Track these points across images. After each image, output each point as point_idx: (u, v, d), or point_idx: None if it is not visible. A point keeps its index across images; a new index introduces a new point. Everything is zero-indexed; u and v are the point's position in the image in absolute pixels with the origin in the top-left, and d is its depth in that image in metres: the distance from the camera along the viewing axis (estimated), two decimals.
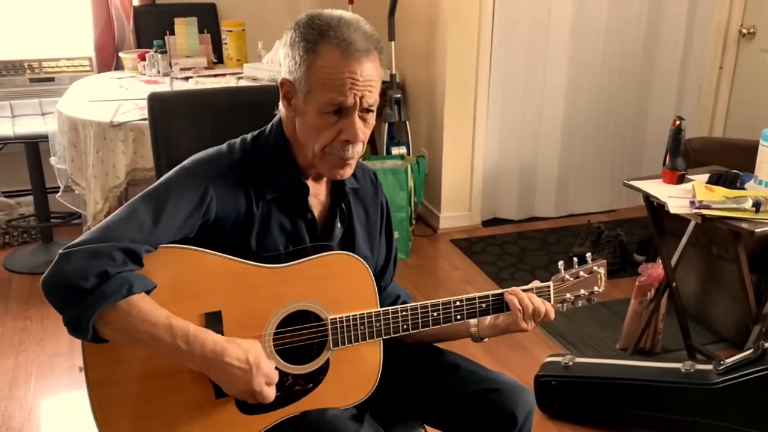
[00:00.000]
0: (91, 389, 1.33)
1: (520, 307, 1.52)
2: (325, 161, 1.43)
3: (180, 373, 1.35)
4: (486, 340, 1.63)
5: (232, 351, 1.29)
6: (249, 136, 1.51)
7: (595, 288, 1.65)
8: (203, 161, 1.44)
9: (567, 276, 1.62)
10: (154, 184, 1.40)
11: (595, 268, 1.65)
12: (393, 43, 4.02)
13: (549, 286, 1.60)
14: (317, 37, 1.35)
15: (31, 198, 3.79)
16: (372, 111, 1.42)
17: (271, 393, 1.34)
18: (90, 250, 1.24)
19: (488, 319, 1.59)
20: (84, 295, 1.21)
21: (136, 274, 1.27)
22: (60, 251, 1.25)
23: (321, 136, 1.40)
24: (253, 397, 1.32)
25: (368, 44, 1.37)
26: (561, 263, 1.63)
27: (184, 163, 1.44)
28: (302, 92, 1.38)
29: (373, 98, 1.39)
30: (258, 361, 1.31)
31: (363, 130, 1.40)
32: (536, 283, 1.60)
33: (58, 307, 1.25)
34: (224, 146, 1.48)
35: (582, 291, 1.63)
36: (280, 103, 1.48)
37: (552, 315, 1.55)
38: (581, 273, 1.63)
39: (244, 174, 1.44)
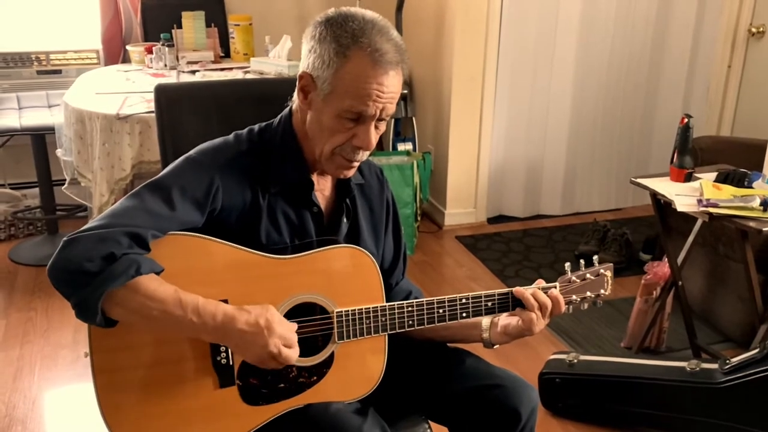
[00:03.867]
0: (96, 374, 1.33)
1: (537, 303, 1.50)
2: (333, 162, 1.43)
3: (185, 362, 1.35)
4: (497, 347, 1.61)
5: (242, 317, 1.29)
6: (256, 127, 1.50)
7: (601, 291, 1.64)
8: (210, 151, 1.44)
9: (574, 278, 1.60)
10: (161, 173, 1.40)
11: (602, 270, 1.63)
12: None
13: (555, 287, 1.58)
14: (350, 41, 1.33)
15: (37, 190, 3.80)
16: (385, 119, 1.41)
17: (291, 354, 1.32)
18: (95, 235, 1.24)
19: (500, 326, 1.58)
20: (91, 278, 1.21)
21: (143, 257, 1.27)
22: (64, 238, 1.25)
23: (333, 137, 1.39)
24: (275, 360, 1.31)
25: (398, 56, 1.36)
26: (568, 265, 1.62)
27: (191, 152, 1.43)
28: (323, 91, 1.37)
29: (392, 110, 1.39)
30: (270, 323, 1.29)
31: (375, 137, 1.41)
32: (541, 283, 1.58)
33: (64, 292, 1.24)
34: (231, 136, 1.48)
35: (588, 293, 1.62)
36: (295, 95, 1.47)
37: (562, 305, 1.54)
38: (588, 275, 1.62)
39: (250, 165, 1.43)
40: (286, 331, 1.32)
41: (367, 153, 1.43)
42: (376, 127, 1.40)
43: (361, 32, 1.34)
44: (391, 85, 1.36)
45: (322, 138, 1.41)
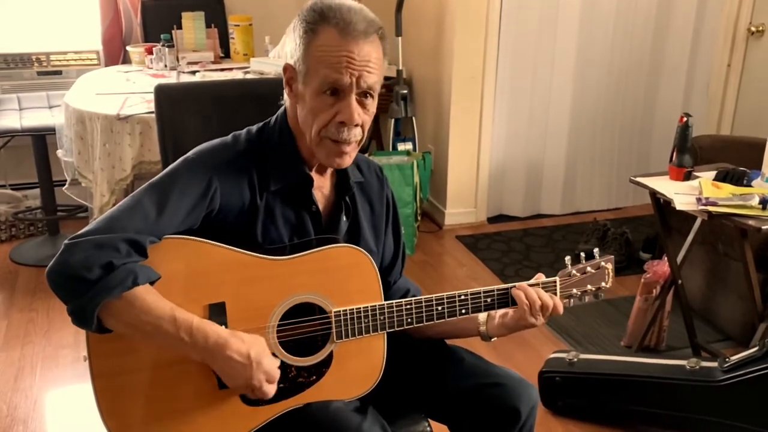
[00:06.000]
0: (94, 378, 1.33)
1: (527, 302, 1.51)
2: (323, 147, 1.42)
3: (184, 364, 1.35)
4: (495, 339, 1.62)
5: (234, 345, 1.29)
6: (254, 127, 1.51)
7: (602, 284, 1.63)
8: (207, 152, 1.44)
9: (574, 271, 1.61)
10: (159, 175, 1.40)
11: (603, 263, 1.63)
12: (400, 38, 4.02)
13: (555, 281, 1.59)
14: (317, 18, 1.36)
15: (37, 191, 3.80)
16: (372, 96, 1.40)
17: (270, 390, 1.34)
18: (95, 241, 1.24)
19: (497, 319, 1.58)
20: (88, 286, 1.22)
21: (141, 265, 1.27)
22: (65, 242, 1.25)
23: (318, 118, 1.39)
24: (253, 392, 1.33)
25: (368, 27, 1.37)
26: (568, 258, 1.62)
27: (189, 154, 1.44)
28: (301, 74, 1.39)
29: (372, 79, 1.38)
30: (259, 357, 1.30)
31: (360, 113, 1.39)
32: (541, 278, 1.59)
33: (62, 298, 1.25)
34: (229, 137, 1.48)
35: (589, 286, 1.62)
36: (285, 92, 1.47)
37: (560, 309, 1.54)
38: (588, 268, 1.62)
39: (248, 165, 1.44)
40: (272, 368, 1.33)
41: (356, 132, 1.40)
42: (363, 105, 1.39)
43: (328, 9, 1.37)
44: (363, 53, 1.35)
45: (309, 122, 1.41)
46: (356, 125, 1.40)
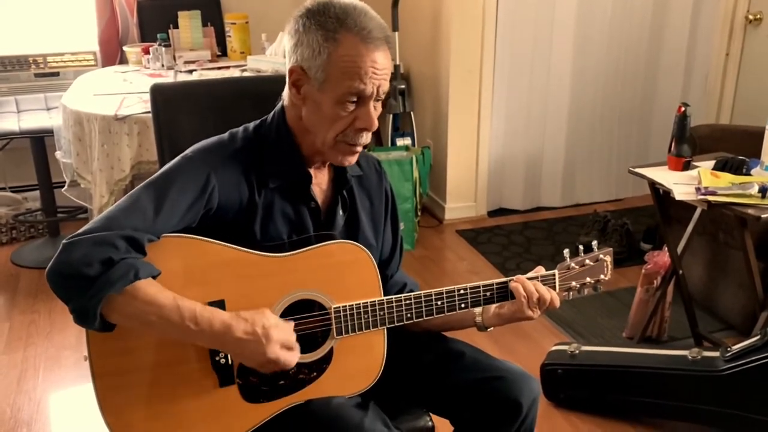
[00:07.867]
0: (95, 378, 1.33)
1: (525, 294, 1.51)
2: (337, 149, 1.43)
3: (184, 363, 1.36)
4: (491, 329, 1.62)
5: (239, 325, 1.29)
6: (251, 124, 1.51)
7: (601, 276, 1.64)
8: (205, 150, 1.44)
9: (572, 264, 1.61)
10: (156, 173, 1.40)
11: (601, 256, 1.64)
12: (397, 33, 4.01)
13: (554, 274, 1.59)
14: (336, 25, 1.35)
15: (37, 193, 3.80)
16: (381, 99, 1.43)
17: (291, 357, 1.34)
18: (93, 238, 1.24)
19: (493, 308, 1.59)
20: (89, 283, 1.22)
21: (141, 261, 1.27)
22: (63, 241, 1.25)
23: (335, 124, 1.40)
24: (276, 365, 1.32)
25: (383, 33, 1.38)
26: (566, 251, 1.63)
27: (186, 152, 1.44)
28: (317, 81, 1.38)
29: (386, 87, 1.41)
30: (267, 330, 1.30)
31: (375, 116, 1.41)
32: (541, 271, 1.59)
33: (63, 297, 1.25)
34: (226, 135, 1.48)
35: (588, 279, 1.62)
36: (285, 92, 1.47)
37: (557, 303, 1.55)
38: (587, 261, 1.62)
39: (246, 163, 1.44)
40: (285, 335, 1.33)
41: (370, 135, 1.44)
42: (375, 108, 1.41)
43: (345, 14, 1.35)
44: (383, 62, 1.37)
45: (323, 128, 1.41)
46: None
